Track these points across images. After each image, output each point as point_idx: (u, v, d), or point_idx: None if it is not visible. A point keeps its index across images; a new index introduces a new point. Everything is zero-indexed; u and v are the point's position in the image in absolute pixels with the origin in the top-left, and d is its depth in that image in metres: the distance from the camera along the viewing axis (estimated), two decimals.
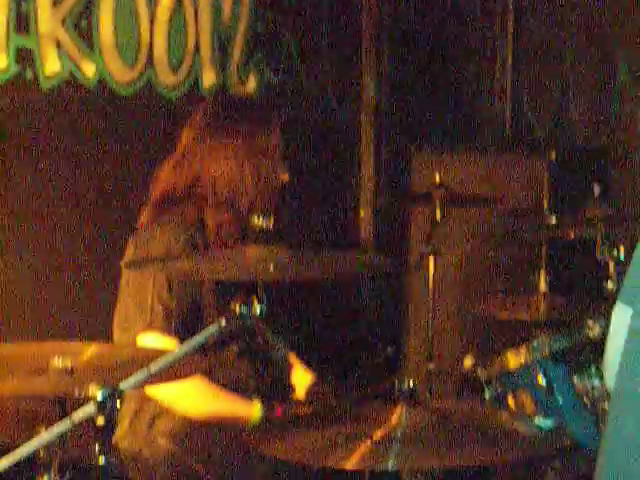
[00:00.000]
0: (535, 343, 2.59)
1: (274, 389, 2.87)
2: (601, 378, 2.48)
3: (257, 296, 1.94)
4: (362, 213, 4.38)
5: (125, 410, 2.82)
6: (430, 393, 3.38)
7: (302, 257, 2.26)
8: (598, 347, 2.53)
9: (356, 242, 4.36)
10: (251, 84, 3.95)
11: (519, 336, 2.91)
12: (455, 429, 2.17)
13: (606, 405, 2.40)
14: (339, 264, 2.36)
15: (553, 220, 3.32)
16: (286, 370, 2.96)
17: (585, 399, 2.47)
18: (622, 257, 2.70)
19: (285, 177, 2.88)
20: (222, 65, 3.85)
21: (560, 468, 2.52)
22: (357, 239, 4.38)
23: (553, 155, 4.09)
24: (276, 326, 2.89)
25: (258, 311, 1.92)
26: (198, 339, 1.89)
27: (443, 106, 4.55)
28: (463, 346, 3.90)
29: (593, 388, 2.48)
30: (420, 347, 3.66)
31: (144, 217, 2.89)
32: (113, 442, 2.76)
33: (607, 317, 2.57)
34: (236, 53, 3.90)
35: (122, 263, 2.81)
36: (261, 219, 2.15)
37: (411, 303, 4.20)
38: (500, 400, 2.56)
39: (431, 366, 3.45)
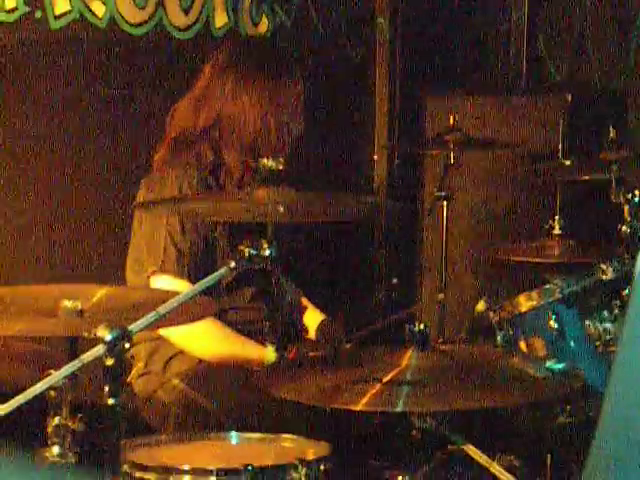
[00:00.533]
0: (547, 286, 2.57)
1: (287, 331, 2.88)
2: (613, 321, 2.47)
3: (267, 238, 1.93)
4: (375, 156, 4.35)
5: (140, 352, 2.83)
6: (442, 337, 3.37)
7: (312, 199, 2.25)
8: (610, 290, 2.52)
9: (369, 186, 4.34)
10: (263, 26, 3.91)
11: (533, 280, 2.90)
12: (466, 372, 2.17)
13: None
14: (348, 206, 2.35)
15: (568, 163, 3.29)
16: (298, 312, 2.97)
17: (597, 342, 2.46)
18: (637, 200, 2.67)
19: (301, 123, 2.85)
20: (234, 6, 3.80)
21: (571, 411, 2.53)
22: (370, 183, 4.35)
23: (569, 98, 4.04)
24: (289, 268, 2.89)
25: (267, 253, 1.91)
26: (207, 281, 1.89)
27: (458, 48, 4.49)
28: (476, 290, 3.89)
29: (605, 331, 2.47)
30: (433, 291, 3.66)
31: (158, 157, 2.87)
32: (128, 383, 2.80)
33: (621, 261, 2.56)
34: None
35: (134, 204, 2.80)
36: (271, 160, 2.13)
37: (425, 247, 4.19)
38: (512, 343, 2.56)
39: (443, 307, 3.44)
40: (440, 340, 3.24)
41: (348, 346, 2.82)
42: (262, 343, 2.77)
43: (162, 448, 2.21)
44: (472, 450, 2.10)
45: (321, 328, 2.94)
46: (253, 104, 2.79)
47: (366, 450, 2.56)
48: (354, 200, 2.46)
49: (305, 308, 3.00)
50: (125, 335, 1.78)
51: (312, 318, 2.98)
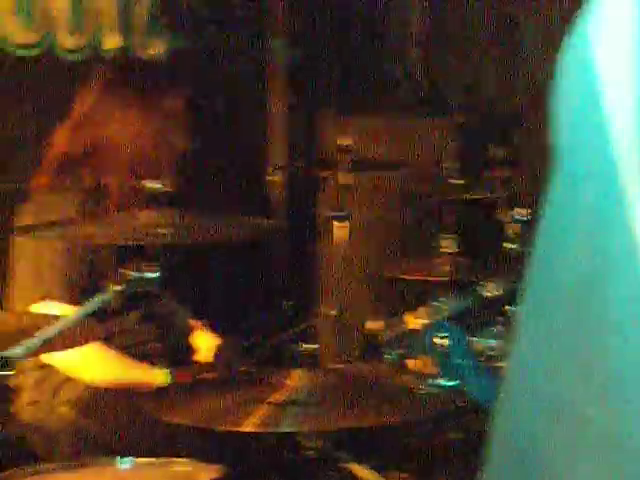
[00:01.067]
0: (435, 304, 2.63)
1: (178, 353, 2.88)
2: (497, 338, 2.54)
3: (152, 260, 1.94)
4: (271, 177, 4.38)
5: (28, 380, 2.80)
6: (338, 356, 3.41)
7: (199, 221, 2.26)
8: (495, 307, 2.59)
9: (265, 207, 4.37)
10: (157, 48, 3.91)
11: (425, 298, 2.96)
12: (354, 391, 2.21)
13: (503, 364, 2.46)
14: (237, 228, 2.37)
15: (457, 182, 3.37)
16: (189, 334, 2.97)
17: (483, 359, 2.52)
18: (522, 219, 2.75)
19: (188, 144, 2.87)
20: (127, 28, 3.80)
21: (461, 427, 2.58)
22: (266, 204, 4.38)
23: (461, 118, 4.14)
24: (181, 290, 2.89)
25: (152, 275, 1.92)
26: (90, 306, 1.89)
27: (354, 68, 4.55)
28: (370, 309, 3.94)
29: (489, 347, 2.53)
30: (330, 311, 3.69)
31: (38, 183, 2.85)
32: (15, 412, 2.76)
33: (504, 278, 2.63)
34: (141, 15, 3.85)
35: (16, 230, 2.77)
36: (155, 182, 2.14)
37: (320, 268, 4.23)
38: (401, 361, 2.60)
39: (339, 328, 3.48)
40: (335, 360, 3.27)
41: (243, 368, 2.84)
42: (153, 366, 2.77)
43: (50, 477, 2.18)
44: (359, 469, 2.14)
45: (217, 351, 2.94)
46: (131, 126, 2.80)
47: (259, 471, 2.58)
48: (243, 222, 2.48)
49: (196, 329, 3.00)
50: (4, 362, 1.76)
51: (204, 340, 2.99)
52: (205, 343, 2.97)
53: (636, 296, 0.79)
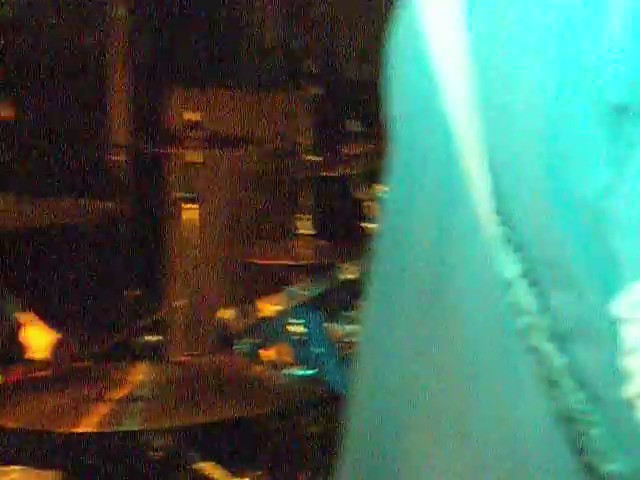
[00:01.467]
0: (291, 289, 2.60)
1: (7, 350, 2.79)
2: (357, 323, 2.52)
3: None
4: (113, 157, 4.27)
5: None
6: (189, 348, 3.35)
7: (30, 205, 2.17)
8: (353, 290, 2.58)
9: (107, 189, 4.26)
10: None
11: (281, 283, 2.92)
12: (204, 385, 2.16)
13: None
14: (72, 212, 2.28)
15: (313, 159, 3.35)
16: (19, 329, 2.87)
17: (342, 345, 2.51)
18: (380, 195, 2.74)
19: (6, 113, 2.75)
20: None
21: (320, 419, 2.56)
22: (109, 185, 4.28)
23: (317, 91, 4.11)
24: (10, 280, 2.79)
25: None
26: None
27: (207, 40, 4.48)
28: (224, 296, 3.89)
29: (350, 334, 2.52)
30: (179, 300, 3.62)
31: None
32: None
33: (364, 259, 2.61)
34: None
35: None
36: None
37: (169, 254, 4.15)
38: (255, 351, 2.56)
39: (189, 318, 3.43)
40: (185, 352, 3.21)
41: (81, 364, 2.76)
42: None
43: None
44: (211, 468, 2.09)
45: (53, 346, 2.85)
46: None
47: (102, 475, 2.50)
48: (81, 205, 2.40)
49: (27, 324, 2.90)
50: None
51: (37, 335, 2.89)
52: (38, 339, 2.87)
53: (483, 282, 0.80)
